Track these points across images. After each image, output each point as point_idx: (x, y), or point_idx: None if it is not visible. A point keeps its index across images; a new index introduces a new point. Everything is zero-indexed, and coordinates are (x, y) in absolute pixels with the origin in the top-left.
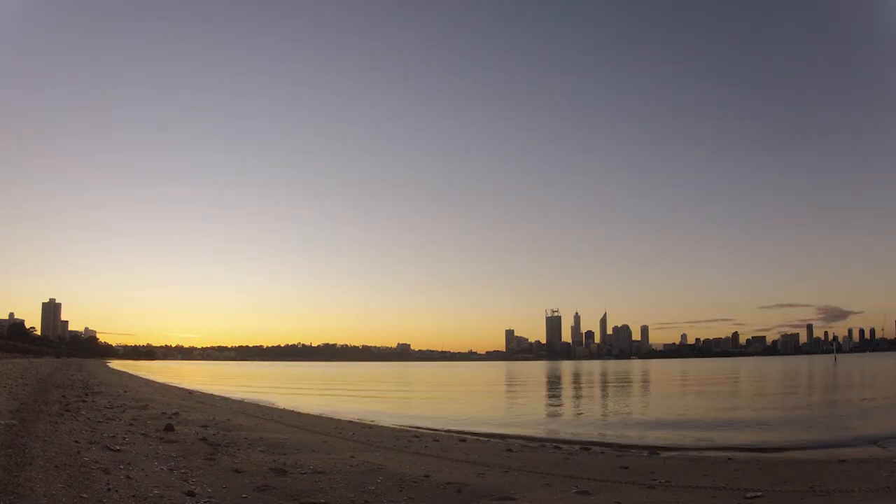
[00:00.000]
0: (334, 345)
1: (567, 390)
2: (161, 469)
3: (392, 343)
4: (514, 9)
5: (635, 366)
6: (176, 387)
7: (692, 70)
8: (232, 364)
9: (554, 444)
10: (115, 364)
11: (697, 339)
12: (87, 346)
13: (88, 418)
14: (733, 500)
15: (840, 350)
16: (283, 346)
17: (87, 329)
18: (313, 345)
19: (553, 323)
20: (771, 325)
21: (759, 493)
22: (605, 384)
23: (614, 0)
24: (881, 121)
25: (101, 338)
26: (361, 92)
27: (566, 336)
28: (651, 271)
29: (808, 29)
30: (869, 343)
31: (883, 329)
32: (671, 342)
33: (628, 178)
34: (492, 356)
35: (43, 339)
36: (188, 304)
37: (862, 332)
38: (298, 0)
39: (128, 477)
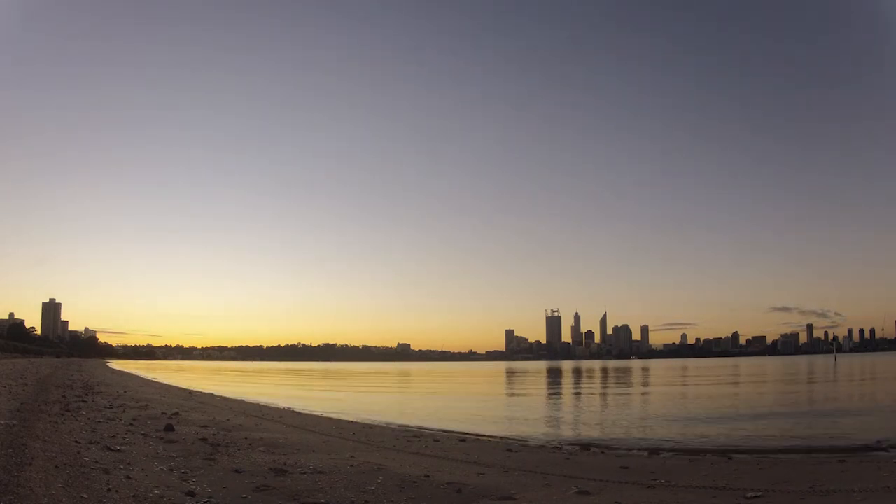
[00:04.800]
0: (334, 345)
1: (567, 389)
2: (161, 469)
3: (392, 343)
4: (517, 13)
5: (635, 365)
6: (176, 387)
7: (691, 72)
8: (232, 364)
9: (554, 445)
10: (115, 364)
11: (697, 339)
12: (87, 346)
13: (88, 418)
14: (733, 500)
15: (840, 350)
16: (283, 346)
17: (87, 329)
18: (313, 345)
19: (553, 323)
20: (771, 325)
21: (759, 493)
22: (605, 383)
23: (616, 7)
24: (882, 123)
25: (101, 338)
26: (362, 93)
27: (566, 336)
28: (651, 271)
29: (809, 30)
30: (869, 343)
31: (883, 329)
32: (671, 342)
33: (628, 179)
34: (492, 356)
35: (43, 339)
36: (188, 304)
37: (862, 332)
38: (299, 3)
39: (128, 477)
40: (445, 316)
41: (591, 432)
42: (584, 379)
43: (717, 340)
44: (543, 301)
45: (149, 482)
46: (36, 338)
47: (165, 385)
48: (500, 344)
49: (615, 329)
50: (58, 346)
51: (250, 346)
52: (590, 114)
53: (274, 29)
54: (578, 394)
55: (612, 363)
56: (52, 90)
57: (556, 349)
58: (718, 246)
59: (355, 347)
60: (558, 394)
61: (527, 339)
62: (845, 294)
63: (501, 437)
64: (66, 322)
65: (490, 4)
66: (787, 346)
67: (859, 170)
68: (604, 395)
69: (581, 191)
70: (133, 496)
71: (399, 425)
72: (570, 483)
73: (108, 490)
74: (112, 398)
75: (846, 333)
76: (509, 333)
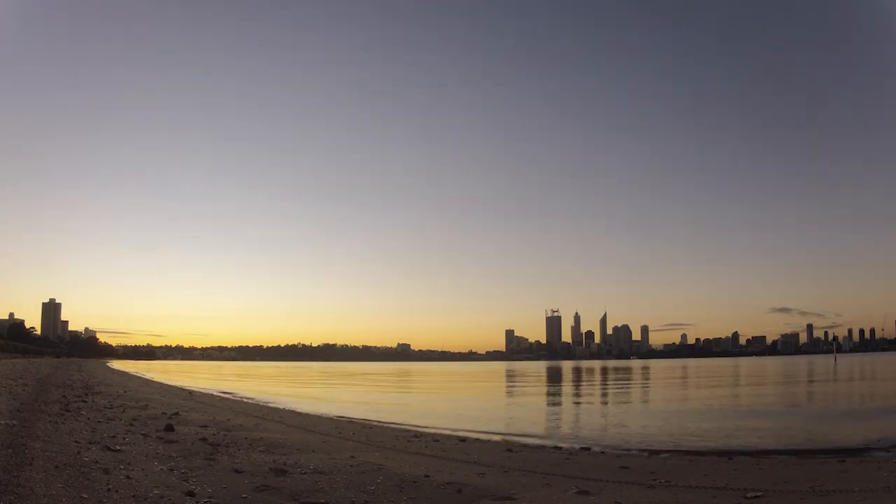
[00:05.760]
0: (334, 345)
1: (567, 389)
2: (161, 469)
3: (392, 343)
4: (518, 16)
5: (635, 365)
6: (176, 387)
7: (692, 75)
8: (232, 364)
9: (554, 445)
10: (115, 364)
11: (697, 339)
12: (87, 346)
13: (88, 418)
14: (733, 500)
15: (840, 350)
16: (283, 346)
17: (87, 329)
18: (313, 345)
19: (553, 323)
20: (771, 326)
21: (759, 493)
22: (605, 383)
23: (617, 7)
24: (883, 125)
25: (101, 338)
26: (361, 93)
27: (566, 336)
28: (651, 271)
29: (812, 36)
30: (869, 343)
31: (883, 329)
32: (671, 342)
33: (628, 179)
34: (492, 356)
35: (43, 339)
36: (188, 304)
37: (862, 332)
38: (300, 5)
39: (128, 477)
40: (445, 316)
41: (591, 432)
42: (583, 379)
43: (717, 340)
44: (543, 301)
45: (149, 482)
46: (36, 338)
47: (165, 385)
48: (500, 344)
49: (615, 329)
50: (58, 346)
51: (250, 346)
52: (590, 115)
53: (274, 31)
54: (578, 394)
55: (612, 363)
56: (52, 91)
57: (556, 349)
58: (718, 246)
59: (355, 347)
60: (558, 394)
61: (527, 339)
62: (845, 294)
63: (501, 437)
64: (66, 322)
65: (491, 6)
66: (787, 346)
67: (859, 171)
68: (604, 394)
69: (581, 192)
70: (133, 496)
71: (399, 425)
72: (570, 483)
73: (108, 490)
74: (112, 398)
75: (846, 333)
76: (509, 333)
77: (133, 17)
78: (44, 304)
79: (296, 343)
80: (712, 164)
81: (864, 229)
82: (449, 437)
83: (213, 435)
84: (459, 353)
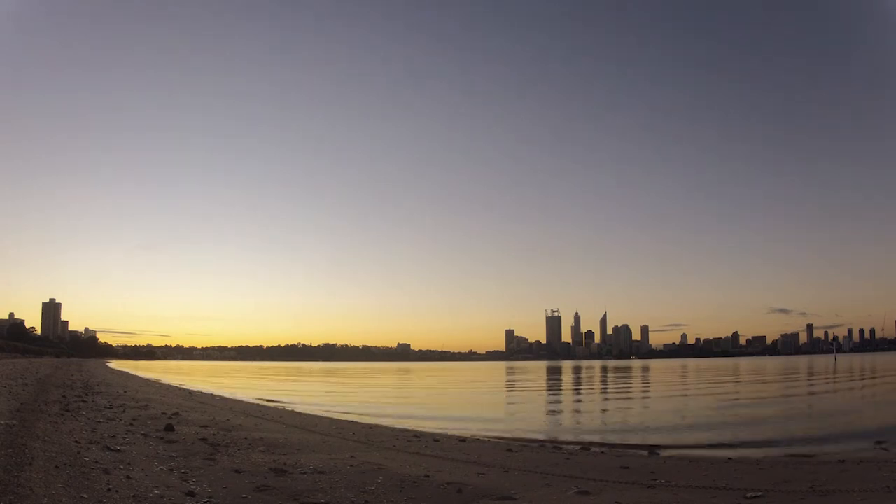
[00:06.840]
0: (334, 345)
1: (567, 389)
2: (161, 469)
3: (392, 343)
4: (519, 16)
5: (635, 365)
6: (176, 387)
7: (692, 71)
8: (232, 364)
9: (554, 444)
10: (115, 364)
11: (697, 339)
12: (87, 346)
13: (88, 418)
14: (733, 500)
15: (840, 350)
16: (283, 346)
17: (87, 329)
18: (313, 345)
19: (553, 323)
20: (771, 326)
21: (759, 493)
22: (604, 383)
23: (618, 9)
24: (883, 126)
25: (102, 338)
26: (360, 94)
27: (566, 336)
28: (651, 271)
29: (812, 35)
30: (869, 343)
31: (883, 329)
32: (671, 342)
33: (629, 180)
34: (492, 356)
35: (43, 339)
36: (189, 304)
37: (862, 331)
38: (298, 2)
39: (128, 477)
40: (445, 316)
41: (591, 432)
42: (583, 378)
43: (717, 340)
44: (543, 301)
45: (149, 482)
46: (36, 338)
47: (165, 385)
48: (500, 344)
49: (615, 329)
50: (58, 346)
51: (250, 346)
52: (590, 116)
53: (273, 30)
54: (578, 393)
55: (612, 363)
56: (52, 92)
57: (556, 349)
58: (719, 247)
59: (355, 347)
60: (558, 393)
61: (527, 339)
62: (845, 294)
63: (501, 437)
64: (66, 322)
65: (492, 9)
66: (787, 346)
67: (859, 172)
68: (604, 394)
69: (581, 192)
70: (133, 496)
71: (399, 425)
72: (570, 483)
73: (108, 490)
74: (112, 398)
75: (846, 333)
76: (509, 333)
77: (133, 18)
78: (44, 304)
79: (296, 343)
80: (712, 165)
81: (864, 229)
82: (449, 437)
83: (213, 435)
84: (459, 353)
